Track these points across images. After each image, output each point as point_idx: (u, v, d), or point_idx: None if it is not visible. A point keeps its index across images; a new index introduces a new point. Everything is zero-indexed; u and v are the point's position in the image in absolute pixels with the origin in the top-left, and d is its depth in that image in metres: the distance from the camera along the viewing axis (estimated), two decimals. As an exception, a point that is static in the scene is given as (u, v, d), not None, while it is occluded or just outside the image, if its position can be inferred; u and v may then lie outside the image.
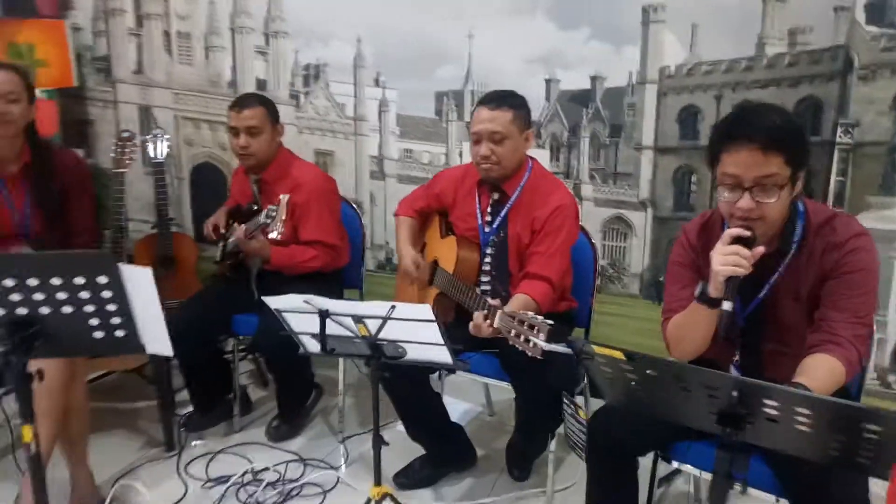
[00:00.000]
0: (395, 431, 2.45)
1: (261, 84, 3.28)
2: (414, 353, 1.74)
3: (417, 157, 3.09)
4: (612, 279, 2.84)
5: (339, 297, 2.71)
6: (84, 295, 1.51)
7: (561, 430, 2.07)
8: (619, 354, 1.18)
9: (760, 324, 1.69)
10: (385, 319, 1.62)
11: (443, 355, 1.72)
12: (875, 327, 1.80)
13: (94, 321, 1.57)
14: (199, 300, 2.64)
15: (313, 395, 2.80)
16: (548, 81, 2.79)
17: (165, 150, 3.24)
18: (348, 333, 1.72)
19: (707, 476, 1.73)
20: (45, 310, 1.52)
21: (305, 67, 3.19)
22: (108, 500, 2.14)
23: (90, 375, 2.89)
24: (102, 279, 1.50)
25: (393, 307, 1.59)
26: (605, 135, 2.78)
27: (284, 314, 1.73)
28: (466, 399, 2.96)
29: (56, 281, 1.48)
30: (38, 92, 3.24)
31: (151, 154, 3.21)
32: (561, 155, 2.87)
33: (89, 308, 1.54)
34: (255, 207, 2.58)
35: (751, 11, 2.42)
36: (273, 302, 1.70)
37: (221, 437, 2.66)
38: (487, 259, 2.24)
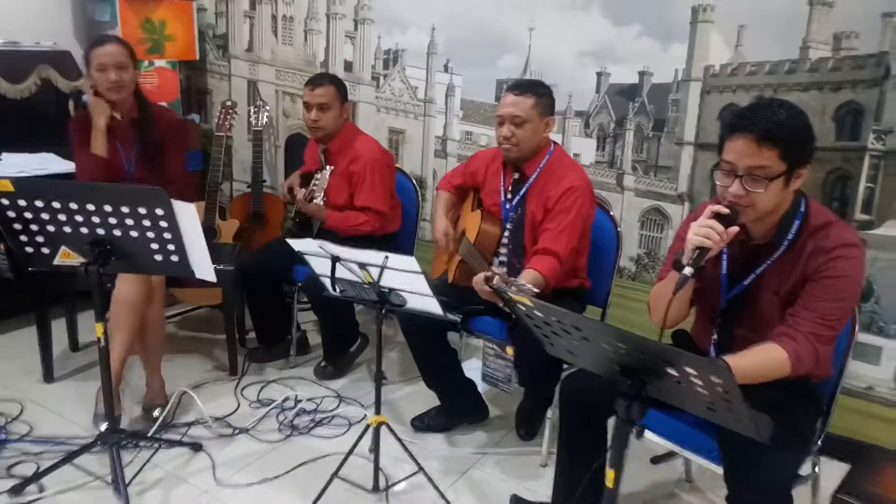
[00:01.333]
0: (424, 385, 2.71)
1: (348, 66, 3.61)
2: (413, 303, 2.00)
3: (476, 139, 3.32)
4: (647, 268, 2.94)
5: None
6: (146, 223, 1.89)
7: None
8: (527, 301, 1.37)
9: (738, 308, 1.77)
10: (382, 268, 1.89)
11: (435, 307, 1.97)
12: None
13: (154, 246, 1.95)
14: (267, 250, 3.04)
15: (358, 343, 3.11)
16: (598, 74, 2.92)
17: (265, 120, 3.70)
18: (357, 279, 2.00)
19: (699, 460, 1.85)
20: (117, 232, 1.91)
21: (386, 52, 3.49)
22: (170, 403, 2.57)
23: (183, 308, 3.42)
24: (159, 211, 1.86)
25: (386, 257, 1.86)
26: (648, 128, 2.88)
27: (307, 258, 2.04)
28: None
29: (125, 209, 1.86)
30: (164, 62, 3.83)
31: (253, 122, 3.67)
32: (607, 145, 3.00)
33: (150, 234, 1.91)
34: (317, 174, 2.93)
35: (797, 15, 2.43)
36: (295, 244, 2.01)
37: (277, 370, 3.05)
38: (506, 233, 2.44)
